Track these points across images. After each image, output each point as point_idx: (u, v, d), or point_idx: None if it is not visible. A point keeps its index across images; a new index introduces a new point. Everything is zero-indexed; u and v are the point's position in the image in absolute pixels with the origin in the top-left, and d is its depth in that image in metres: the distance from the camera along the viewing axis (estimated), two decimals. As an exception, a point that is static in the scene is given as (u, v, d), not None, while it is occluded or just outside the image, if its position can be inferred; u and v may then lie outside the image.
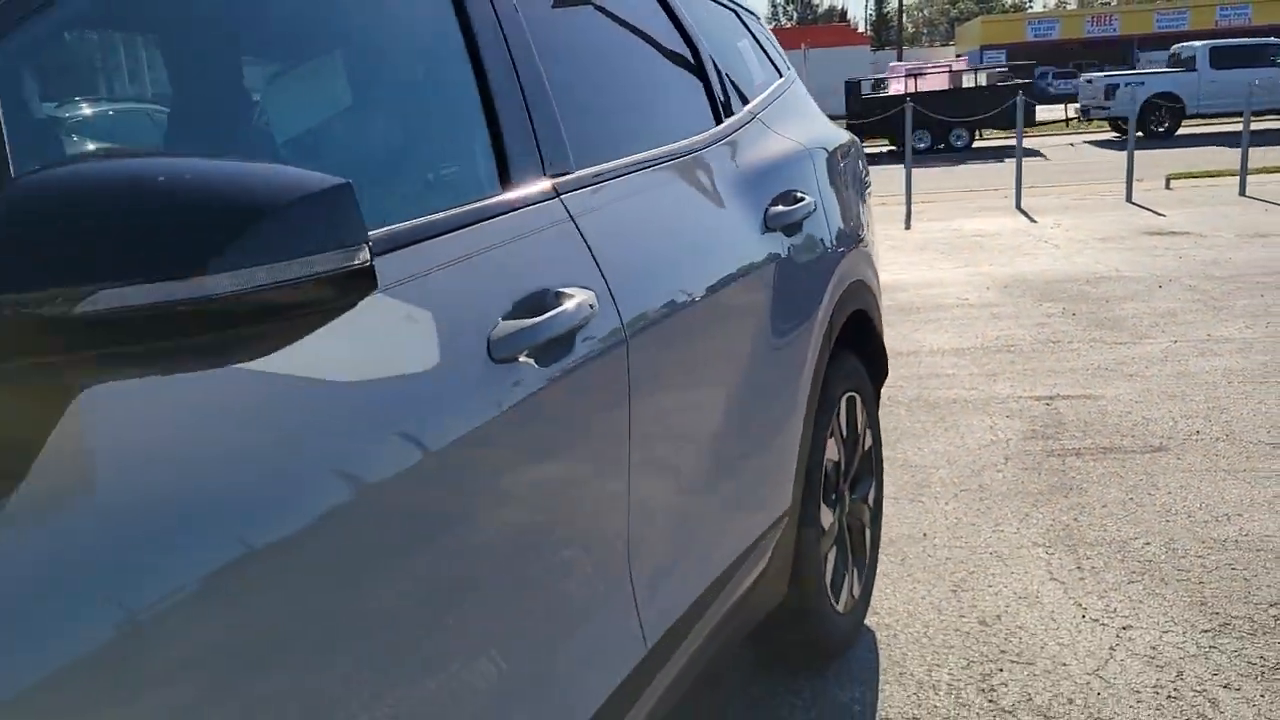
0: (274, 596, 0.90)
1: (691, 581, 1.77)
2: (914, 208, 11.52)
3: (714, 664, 2.01)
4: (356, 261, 0.79)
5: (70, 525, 0.75)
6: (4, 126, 0.81)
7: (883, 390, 3.03)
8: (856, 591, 2.70)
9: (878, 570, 3.00)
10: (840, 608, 2.58)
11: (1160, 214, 10.45)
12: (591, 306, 1.44)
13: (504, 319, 1.29)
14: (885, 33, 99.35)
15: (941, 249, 9.24)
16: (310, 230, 0.75)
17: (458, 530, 1.18)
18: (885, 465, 3.76)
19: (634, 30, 2.12)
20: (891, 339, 4.43)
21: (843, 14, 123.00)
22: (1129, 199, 11.60)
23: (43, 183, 0.71)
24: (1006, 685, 2.48)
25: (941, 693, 2.47)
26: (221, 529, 0.84)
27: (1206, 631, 2.65)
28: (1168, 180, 12.88)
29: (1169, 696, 2.38)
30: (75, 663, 0.71)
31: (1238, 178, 11.79)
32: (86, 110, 1.14)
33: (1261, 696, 2.35)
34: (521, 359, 1.30)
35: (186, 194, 0.71)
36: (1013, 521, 3.40)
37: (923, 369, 5.35)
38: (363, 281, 0.80)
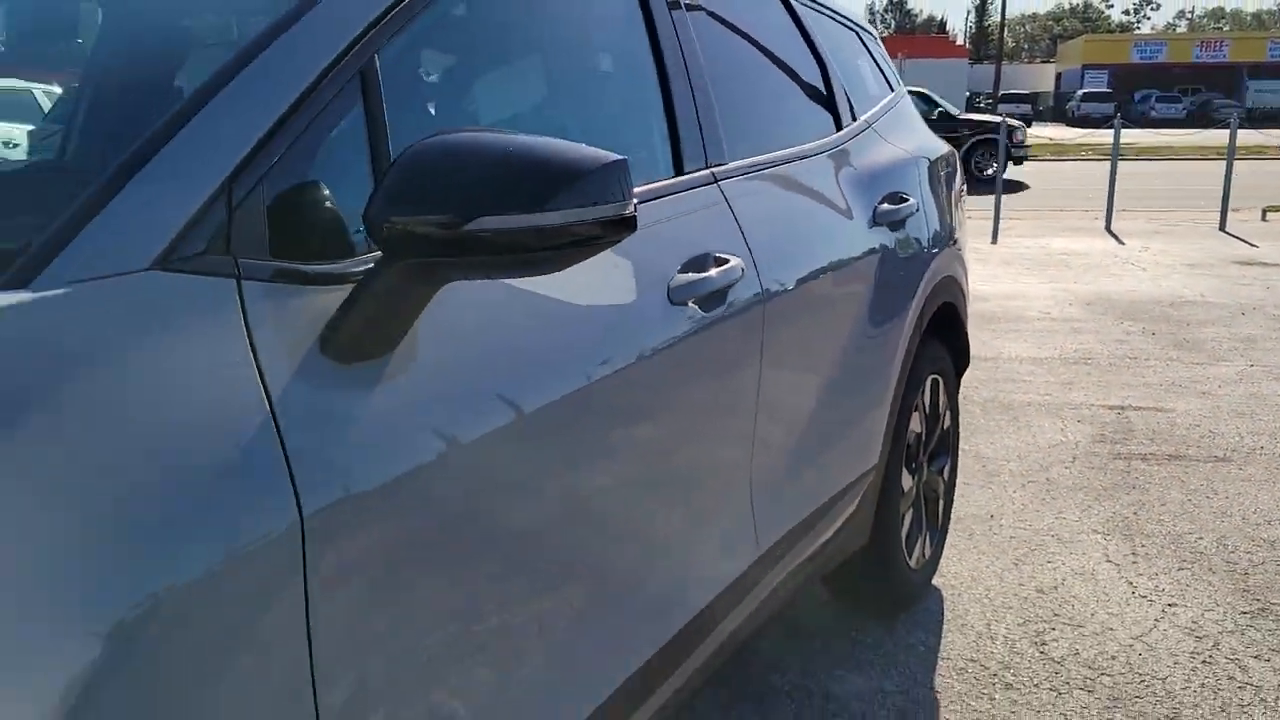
0: (537, 443, 1.30)
1: (795, 506, 2.14)
2: (1002, 224, 11.69)
3: (804, 587, 2.39)
4: (626, 212, 1.17)
5: (409, 381, 1.15)
6: (385, 107, 1.23)
7: (961, 391, 3.36)
8: (928, 553, 3.04)
9: (947, 543, 3.32)
10: (913, 563, 2.92)
11: (1253, 244, 10.49)
12: (741, 270, 1.82)
13: (678, 273, 1.68)
14: (984, 46, 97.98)
15: (1027, 264, 9.44)
16: (604, 187, 1.13)
17: (637, 425, 1.57)
18: (959, 456, 4.08)
19: (773, 46, 2.49)
20: (973, 345, 4.72)
21: (942, 25, 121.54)
22: (1222, 228, 11.63)
23: (442, 141, 1.11)
24: (1057, 642, 2.80)
25: (998, 643, 2.80)
26: (525, 383, 1.27)
27: (1246, 613, 2.94)
28: (1264, 212, 12.84)
29: (1204, 661, 2.69)
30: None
31: (1335, 213, 11.73)
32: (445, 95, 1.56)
33: (1288, 668, 2.64)
34: (690, 304, 1.68)
35: (537, 158, 1.10)
36: (1075, 511, 3.70)
37: (1000, 374, 5.62)
38: (627, 225, 1.19)
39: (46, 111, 3.07)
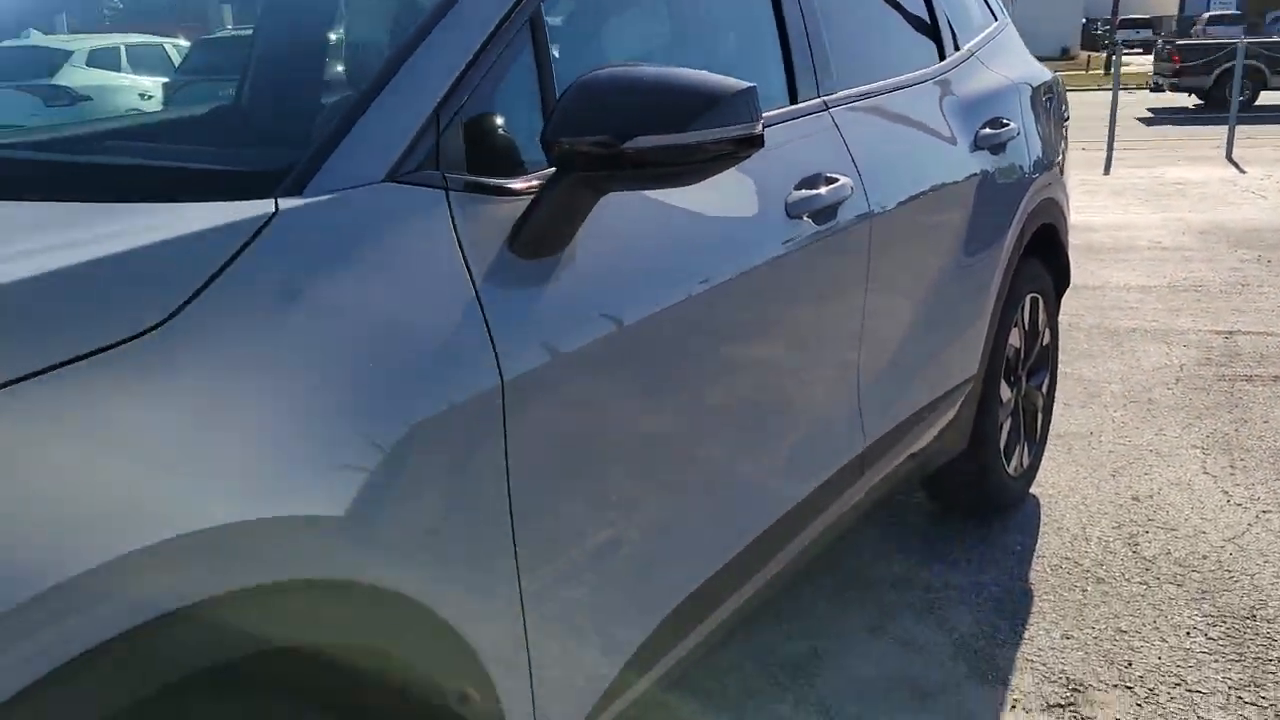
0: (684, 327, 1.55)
1: (898, 406, 2.36)
2: (1115, 154, 11.45)
3: (902, 484, 2.61)
4: (755, 131, 1.39)
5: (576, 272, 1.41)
6: (551, 51, 1.47)
7: (1067, 318, 3.49)
8: (1025, 462, 3.22)
9: (1046, 457, 3.49)
10: (1010, 470, 3.11)
11: (1383, 170, 10.10)
12: (850, 189, 2.03)
13: (794, 190, 1.90)
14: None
15: (1140, 194, 9.29)
16: (736, 111, 1.36)
17: (762, 319, 1.81)
18: (1061, 379, 4.21)
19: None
20: (1079, 275, 4.81)
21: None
22: (1351, 154, 11.19)
23: (604, 74, 1.34)
24: (1150, 543, 2.97)
25: (1092, 543, 2.98)
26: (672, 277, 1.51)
27: (1338, 521, 3.06)
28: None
29: (1292, 562, 2.83)
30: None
31: None
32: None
33: (1376, 567, 2.77)
34: (805, 218, 1.90)
35: (681, 86, 1.33)
36: (1175, 428, 3.82)
37: (1106, 302, 5.67)
38: (755, 143, 1.41)
39: (179, 63, 3.36)
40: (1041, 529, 3.10)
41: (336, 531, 1.08)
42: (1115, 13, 36.75)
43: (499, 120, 1.42)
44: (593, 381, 1.43)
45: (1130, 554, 2.92)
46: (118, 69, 10.87)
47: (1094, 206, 8.63)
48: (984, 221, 2.67)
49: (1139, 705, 2.28)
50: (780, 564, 2.00)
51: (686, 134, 1.33)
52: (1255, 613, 2.60)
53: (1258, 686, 2.32)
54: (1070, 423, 3.90)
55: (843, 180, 2.02)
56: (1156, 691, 2.32)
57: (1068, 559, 2.92)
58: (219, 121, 1.85)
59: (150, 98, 10.81)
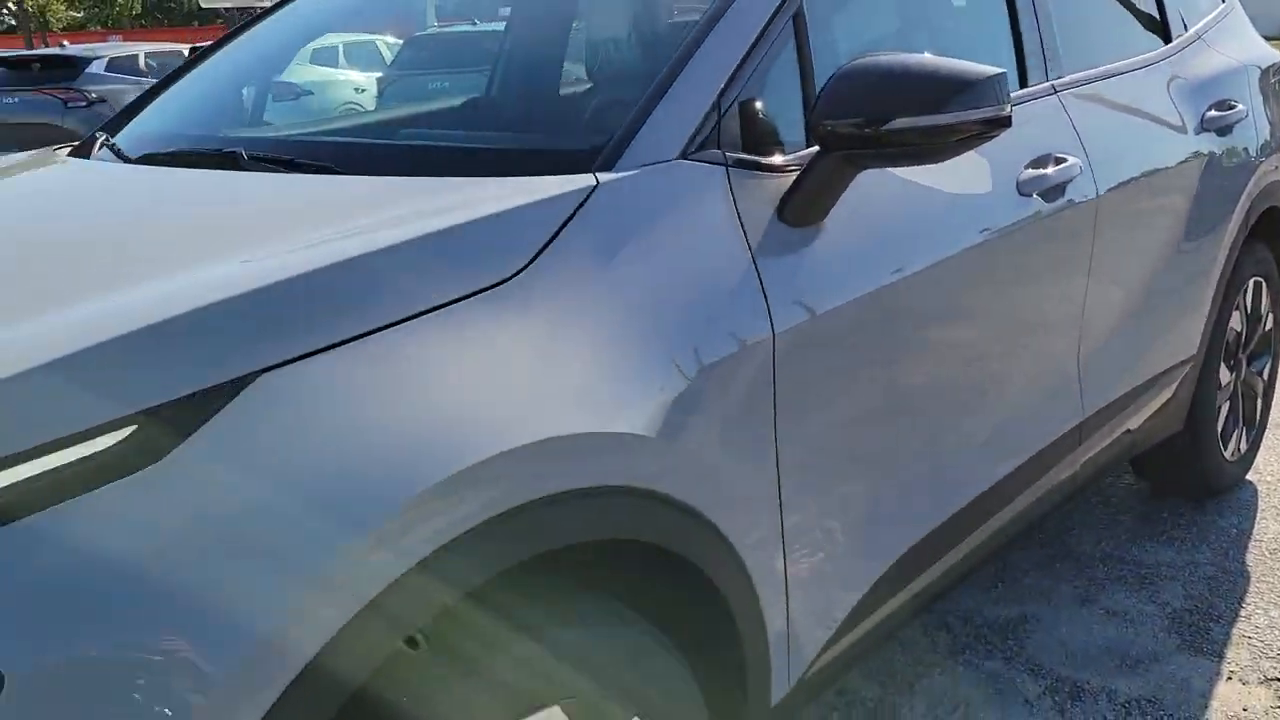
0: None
1: (1117, 381, 2.43)
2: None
3: (1118, 460, 2.66)
4: (1004, 112, 1.53)
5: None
6: (811, 47, 1.66)
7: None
8: (1243, 447, 3.20)
9: (1264, 444, 3.43)
10: (1227, 455, 3.10)
11: None
12: (1079, 169, 2.13)
13: (1025, 169, 2.02)
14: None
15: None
16: (986, 94, 1.50)
17: (994, 290, 1.94)
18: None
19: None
20: None
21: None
22: None
23: (853, 67, 1.51)
24: (1377, 533, 2.91)
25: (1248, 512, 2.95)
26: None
27: None
28: None
29: None
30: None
31: None
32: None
33: None
34: (1035, 196, 2.02)
35: (935, 72, 1.49)
36: None
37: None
38: (1004, 123, 1.55)
39: (391, 59, 3.66)
40: (1260, 514, 3.08)
41: (646, 448, 1.29)
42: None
43: (768, 106, 1.61)
44: (848, 335, 1.61)
45: (1356, 542, 2.87)
46: (335, 65, 11.73)
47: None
48: (1208, 203, 2.69)
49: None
50: (1002, 520, 2.12)
51: (941, 116, 1.49)
52: None
53: None
54: (1291, 412, 3.80)
55: (1071, 161, 2.12)
56: (1382, 673, 2.32)
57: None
58: (535, 107, 2.11)
59: (363, 91, 11.66)
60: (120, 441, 0.98)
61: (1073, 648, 2.48)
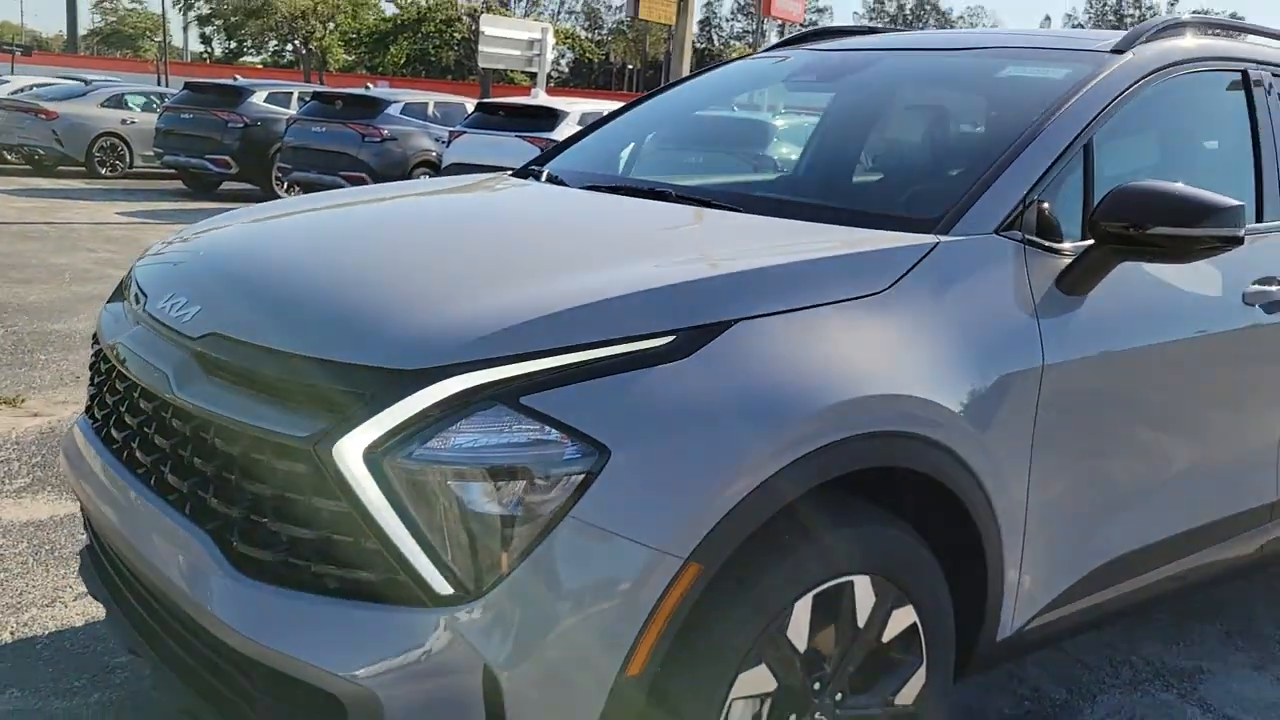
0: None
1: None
2: None
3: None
4: (1240, 233, 2.09)
5: None
6: (1093, 179, 2.27)
7: None
8: None
9: None
10: None
11: None
12: (1297, 292, 2.64)
13: (1252, 284, 2.55)
14: None
15: None
16: (1227, 218, 2.07)
17: (1215, 377, 2.47)
18: None
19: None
20: None
21: None
22: None
23: (1126, 187, 2.11)
24: None
25: None
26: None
27: None
28: None
29: None
30: None
31: None
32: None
33: None
34: (1257, 306, 2.54)
35: (1192, 198, 2.06)
36: None
37: None
38: (1238, 241, 2.10)
39: (779, 133, 4.39)
40: None
41: (947, 416, 1.90)
42: None
43: (1057, 205, 2.23)
44: (1094, 378, 2.19)
45: None
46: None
47: None
48: None
49: None
50: (1191, 564, 2.60)
51: (1189, 229, 2.07)
52: None
53: None
54: None
55: (1288, 286, 2.64)
56: None
57: None
58: (898, 183, 2.77)
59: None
60: (665, 343, 1.68)
61: (1242, 699, 2.89)
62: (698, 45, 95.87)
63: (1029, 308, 2.09)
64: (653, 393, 1.64)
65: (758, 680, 1.76)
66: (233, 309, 1.91)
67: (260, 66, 66.17)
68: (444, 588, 1.56)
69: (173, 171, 15.51)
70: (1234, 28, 3.03)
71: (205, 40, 79.73)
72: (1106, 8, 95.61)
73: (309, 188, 14.07)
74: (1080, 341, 2.16)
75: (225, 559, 1.69)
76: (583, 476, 1.57)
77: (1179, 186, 2.13)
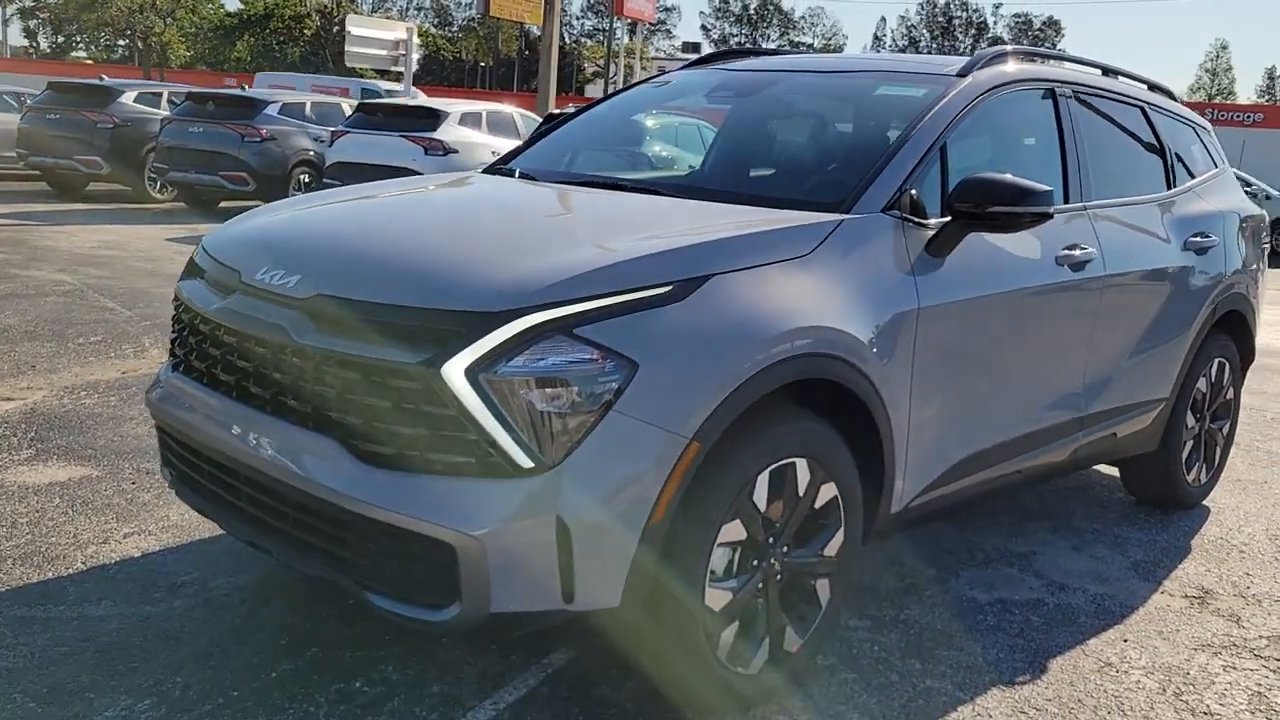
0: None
1: (1106, 397, 3.76)
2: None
3: (1106, 453, 3.98)
4: (1050, 211, 2.91)
5: None
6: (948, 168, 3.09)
7: (1255, 409, 4.72)
8: (1203, 478, 4.51)
9: (1223, 493, 4.71)
10: (1189, 479, 4.41)
11: None
12: (1093, 255, 3.51)
13: (1061, 249, 3.40)
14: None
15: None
16: (1043, 199, 2.89)
17: (1037, 323, 3.31)
18: (1247, 450, 5.39)
19: (1129, 132, 4.13)
20: (1269, 387, 5.95)
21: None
22: None
23: (971, 177, 2.90)
24: (1237, 532, 4.19)
25: (1242, 534, 4.24)
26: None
27: None
28: None
29: (1391, 562, 3.99)
30: None
31: None
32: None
33: None
34: (1065, 266, 3.40)
35: (1016, 185, 2.86)
36: (1335, 487, 4.95)
37: (1312, 408, 6.70)
38: (1048, 218, 2.93)
39: (711, 140, 5.07)
40: (1207, 522, 4.38)
41: (854, 342, 2.66)
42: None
43: (923, 191, 3.02)
44: (953, 317, 2.99)
45: (1269, 543, 4.16)
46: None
47: (1326, 339, 9.43)
48: (1183, 294, 4.06)
49: (1247, 606, 3.56)
50: (1024, 464, 3.45)
51: (1015, 207, 2.89)
52: (1350, 580, 3.82)
53: (1334, 608, 3.56)
54: (1250, 475, 5.09)
55: (1090, 249, 3.51)
56: (1261, 601, 3.60)
57: (1222, 539, 4.19)
58: (798, 176, 3.51)
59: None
60: (666, 290, 2.38)
61: (1065, 570, 3.78)
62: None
63: (906, 266, 2.87)
64: (662, 324, 2.34)
65: (733, 531, 2.48)
66: (331, 276, 2.51)
67: (91, 62, 63.36)
68: (526, 463, 2.22)
69: (36, 173, 15.26)
70: (1041, 55, 3.90)
71: (30, 35, 75.88)
72: (937, 9, 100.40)
73: (186, 189, 14.18)
74: (942, 291, 2.95)
75: (352, 455, 2.31)
76: (620, 383, 2.26)
77: (1008, 177, 2.95)
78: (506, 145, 13.53)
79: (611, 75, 43.42)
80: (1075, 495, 4.62)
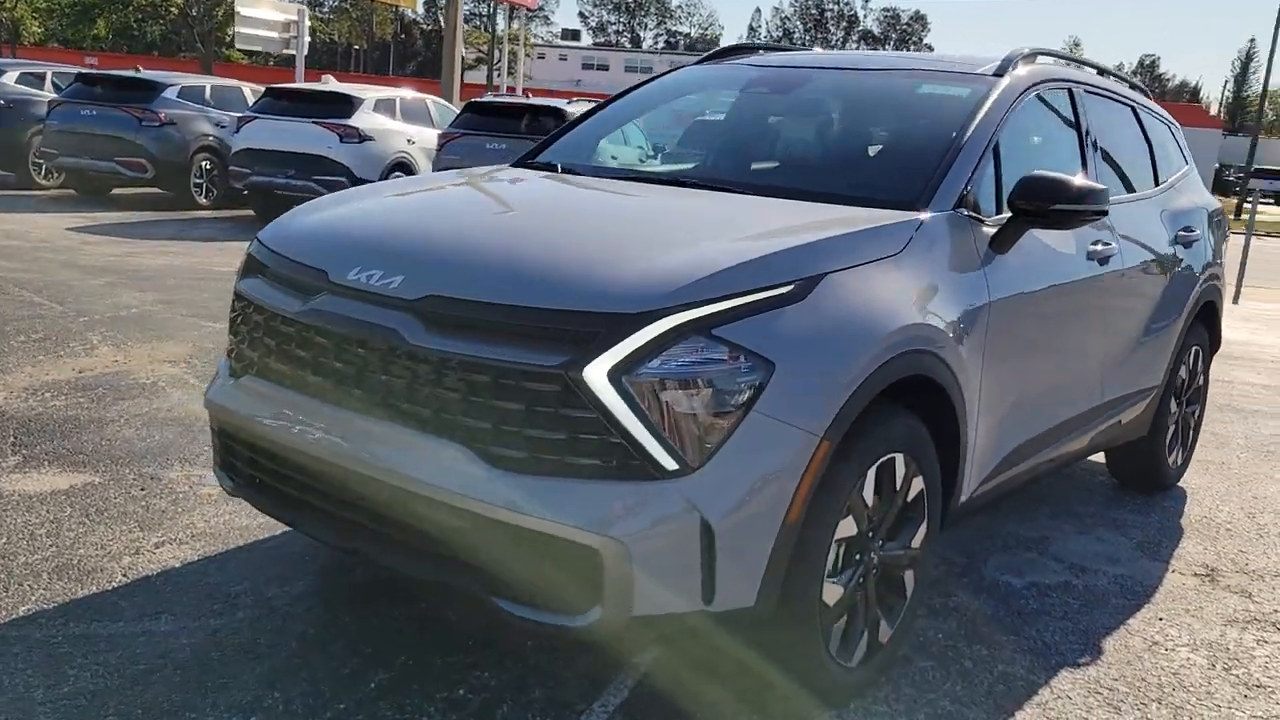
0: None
1: (1119, 384, 3.93)
2: (1244, 289, 12.77)
3: (1114, 438, 4.16)
4: (1106, 209, 3.02)
5: None
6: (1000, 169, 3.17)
7: (1207, 400, 5.00)
8: (1180, 460, 4.75)
9: (1190, 474, 4.97)
10: (1170, 462, 4.64)
11: None
12: (1116, 250, 3.66)
13: (1090, 244, 3.53)
14: (1240, 117, 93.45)
15: (1264, 321, 10.64)
16: (1100, 198, 2.99)
17: (1068, 308, 3.43)
18: (1204, 434, 5.71)
19: (1129, 135, 4.31)
20: (1215, 373, 6.29)
21: (1195, 92, 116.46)
22: None
23: (1035, 176, 2.99)
24: (1264, 515, 4.45)
25: (1223, 514, 4.48)
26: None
27: (1397, 523, 4.50)
28: None
29: (1360, 536, 4.29)
30: None
31: None
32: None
33: None
34: (1094, 260, 3.54)
35: (1077, 184, 2.96)
36: (1285, 466, 5.29)
37: (1236, 393, 7.12)
38: (1105, 214, 3.04)
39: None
40: (1188, 502, 4.61)
41: (940, 335, 2.71)
42: (1251, 160, 37.76)
43: (987, 191, 3.09)
44: (1017, 311, 3.07)
45: (1249, 521, 4.42)
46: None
47: (1227, 326, 10.01)
48: (1175, 286, 4.27)
49: (1253, 582, 3.78)
50: (1062, 448, 3.58)
51: (1076, 204, 2.99)
52: (1331, 554, 4.08)
53: (1328, 581, 3.81)
54: (1210, 457, 5.38)
55: (1112, 244, 3.66)
56: (1264, 576, 3.82)
57: (1206, 518, 4.43)
58: (870, 174, 3.52)
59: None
60: (789, 290, 2.38)
61: (1078, 552, 3.93)
62: (424, 27, 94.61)
63: (977, 262, 2.94)
64: (790, 324, 2.34)
65: (846, 527, 2.51)
66: (443, 276, 2.42)
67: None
68: (670, 464, 2.20)
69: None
70: (1057, 55, 4.04)
71: None
72: (810, 3, 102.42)
73: (77, 175, 13.44)
74: (1007, 285, 3.03)
75: (483, 460, 2.25)
76: (759, 383, 2.25)
77: (1070, 176, 3.05)
78: (421, 133, 13.25)
79: (496, 61, 42.93)
80: (1061, 480, 4.80)
